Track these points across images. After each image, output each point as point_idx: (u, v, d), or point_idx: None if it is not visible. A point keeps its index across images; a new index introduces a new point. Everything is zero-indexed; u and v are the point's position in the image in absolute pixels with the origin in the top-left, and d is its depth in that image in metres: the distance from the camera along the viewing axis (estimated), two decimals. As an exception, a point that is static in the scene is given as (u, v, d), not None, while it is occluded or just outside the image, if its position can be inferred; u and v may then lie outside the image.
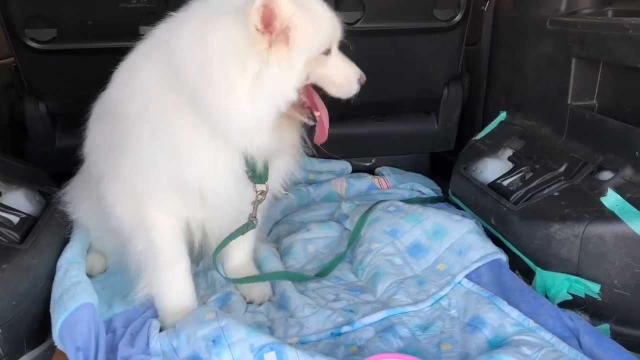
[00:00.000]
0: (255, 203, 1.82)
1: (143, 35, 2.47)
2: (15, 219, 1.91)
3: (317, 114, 1.71)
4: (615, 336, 1.73)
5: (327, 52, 1.66)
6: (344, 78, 1.70)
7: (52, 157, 2.70)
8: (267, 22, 1.50)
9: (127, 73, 1.76)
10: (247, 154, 1.66)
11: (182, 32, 1.59)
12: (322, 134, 1.73)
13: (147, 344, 1.58)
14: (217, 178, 1.66)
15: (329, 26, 1.64)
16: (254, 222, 1.85)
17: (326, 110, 1.73)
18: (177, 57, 1.57)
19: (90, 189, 1.97)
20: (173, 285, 1.78)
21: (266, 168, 1.76)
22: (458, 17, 2.66)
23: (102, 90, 2.59)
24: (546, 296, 1.88)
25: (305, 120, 1.72)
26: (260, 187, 1.79)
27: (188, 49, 1.55)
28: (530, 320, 1.68)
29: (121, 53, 2.58)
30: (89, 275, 1.90)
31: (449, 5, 2.66)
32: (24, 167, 2.34)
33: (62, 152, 2.73)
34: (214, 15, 1.55)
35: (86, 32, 2.46)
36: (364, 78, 1.72)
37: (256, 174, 1.74)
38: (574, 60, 2.18)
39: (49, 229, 1.95)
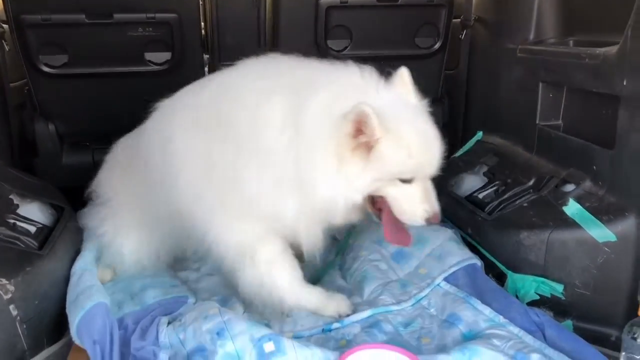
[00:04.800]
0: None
1: (150, 61, 2.69)
2: (32, 229, 2.08)
3: (383, 220, 1.80)
4: (577, 331, 1.90)
5: (408, 180, 1.70)
6: (409, 209, 1.72)
7: (58, 173, 2.88)
8: (358, 131, 1.64)
9: (250, 97, 1.83)
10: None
11: (313, 104, 1.71)
12: (387, 236, 1.83)
13: (157, 337, 1.74)
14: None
15: (417, 161, 1.68)
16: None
17: (393, 221, 1.77)
18: (304, 120, 1.70)
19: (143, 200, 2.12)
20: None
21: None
22: (437, 45, 2.90)
23: (107, 112, 2.81)
24: (516, 296, 2.06)
25: (373, 217, 1.83)
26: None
27: (313, 121, 1.69)
28: (501, 317, 1.87)
29: (126, 77, 2.80)
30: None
31: (429, 34, 2.89)
32: (36, 182, 2.51)
33: (67, 168, 2.92)
34: (334, 104, 1.68)
35: (95, 58, 2.67)
36: (436, 218, 1.72)
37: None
38: (541, 85, 2.41)
39: (63, 238, 2.12)
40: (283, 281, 1.93)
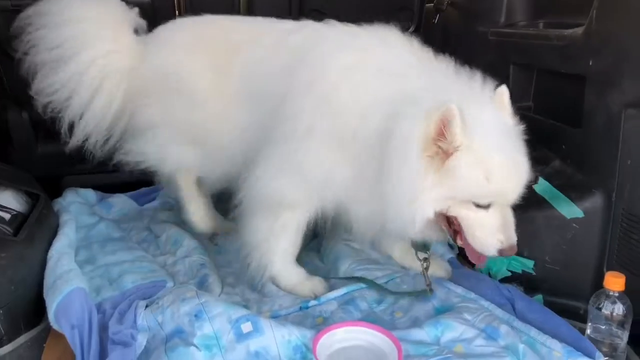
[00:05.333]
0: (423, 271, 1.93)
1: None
2: (6, 216, 2.07)
3: (458, 242, 1.67)
4: (547, 305, 1.96)
5: (485, 205, 1.57)
6: (482, 237, 1.59)
7: (33, 162, 2.85)
8: (440, 134, 1.51)
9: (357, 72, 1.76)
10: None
11: (409, 101, 1.61)
12: (470, 257, 1.71)
13: (135, 321, 1.75)
14: None
15: (496, 187, 1.53)
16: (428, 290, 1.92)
17: (472, 246, 1.64)
18: (397, 119, 1.61)
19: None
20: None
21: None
22: (411, 29, 2.94)
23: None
24: (489, 274, 2.13)
25: (448, 236, 1.69)
26: (422, 255, 1.95)
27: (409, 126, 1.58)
28: (472, 293, 1.92)
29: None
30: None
31: (403, 19, 2.92)
32: (10, 169, 2.49)
33: (43, 157, 2.90)
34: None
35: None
36: (511, 251, 1.58)
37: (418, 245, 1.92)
38: (512, 67, 2.46)
39: (38, 224, 2.11)
40: (281, 248, 1.99)
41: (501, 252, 1.58)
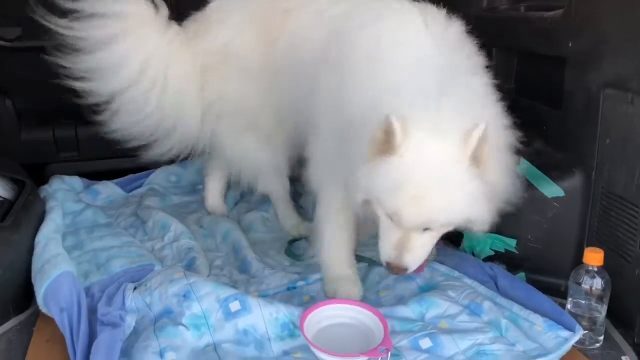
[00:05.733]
0: None
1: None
2: (-7, 202, 2.08)
3: None
4: (529, 282, 1.99)
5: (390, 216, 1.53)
6: (381, 241, 1.60)
7: (18, 150, 2.84)
8: (386, 134, 1.46)
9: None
10: None
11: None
12: None
13: (123, 302, 1.76)
14: None
15: (391, 206, 1.49)
16: None
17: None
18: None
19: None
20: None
21: None
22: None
23: (66, 87, 2.77)
24: (473, 254, 2.16)
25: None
26: None
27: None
28: (456, 271, 1.96)
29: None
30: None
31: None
32: (-5, 157, 2.49)
33: (27, 145, 2.89)
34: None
35: (50, 30, 2.62)
36: (398, 271, 1.57)
37: None
38: (494, 50, 2.49)
39: (25, 210, 2.12)
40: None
41: (388, 265, 1.58)
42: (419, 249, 1.56)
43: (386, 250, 1.57)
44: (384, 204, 1.51)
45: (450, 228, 1.60)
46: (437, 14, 1.82)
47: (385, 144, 1.47)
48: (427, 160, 1.46)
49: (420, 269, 1.77)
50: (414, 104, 1.51)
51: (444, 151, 1.46)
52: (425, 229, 1.54)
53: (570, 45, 1.95)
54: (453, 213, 1.51)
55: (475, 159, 1.47)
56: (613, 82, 1.79)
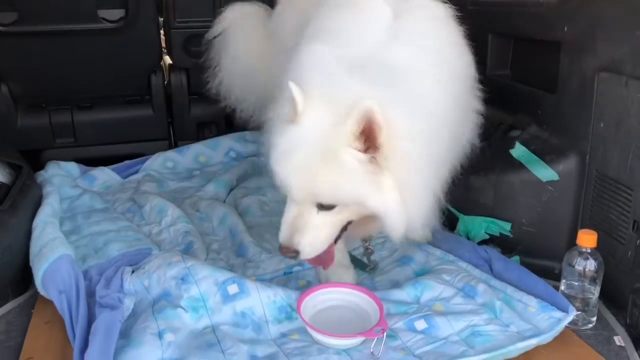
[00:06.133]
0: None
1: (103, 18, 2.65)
2: (-10, 187, 2.09)
3: None
4: (524, 266, 2.01)
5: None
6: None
7: (14, 136, 2.85)
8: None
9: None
10: None
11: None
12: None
13: (121, 285, 1.78)
14: None
15: (282, 170, 1.49)
16: None
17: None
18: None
19: None
20: None
21: None
22: None
23: (62, 72, 2.76)
24: (468, 237, 2.18)
25: None
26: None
27: None
28: (450, 255, 1.98)
29: (80, 35, 2.75)
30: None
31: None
32: (-9, 142, 2.49)
33: (24, 131, 2.89)
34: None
35: (46, 15, 2.62)
36: (286, 249, 1.51)
37: None
38: (490, 36, 2.49)
39: (22, 194, 2.13)
40: None
41: (280, 247, 1.52)
42: (311, 230, 1.50)
43: (281, 230, 1.52)
44: (276, 170, 1.50)
45: (352, 211, 1.52)
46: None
47: (291, 112, 1.49)
48: (317, 131, 1.45)
49: (322, 262, 1.67)
50: (322, 72, 1.50)
51: (336, 125, 1.43)
52: (321, 208, 1.49)
53: (565, 29, 1.96)
54: (337, 190, 1.46)
55: (369, 141, 1.42)
56: (608, 66, 1.80)
